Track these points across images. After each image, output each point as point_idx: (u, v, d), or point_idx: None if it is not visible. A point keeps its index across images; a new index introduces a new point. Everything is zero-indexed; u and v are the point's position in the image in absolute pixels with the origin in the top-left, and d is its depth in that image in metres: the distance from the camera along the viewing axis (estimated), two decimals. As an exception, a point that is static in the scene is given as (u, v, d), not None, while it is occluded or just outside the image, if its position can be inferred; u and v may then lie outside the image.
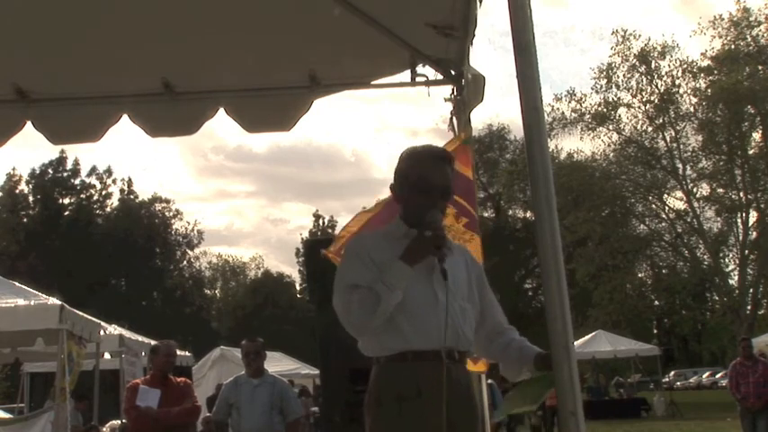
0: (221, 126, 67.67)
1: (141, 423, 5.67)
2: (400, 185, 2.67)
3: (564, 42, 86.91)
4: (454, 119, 4.08)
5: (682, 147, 31.41)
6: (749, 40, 30.24)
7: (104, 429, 11.41)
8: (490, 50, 75.43)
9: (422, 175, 2.61)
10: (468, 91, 3.83)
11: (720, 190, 30.99)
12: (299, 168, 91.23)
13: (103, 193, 51.92)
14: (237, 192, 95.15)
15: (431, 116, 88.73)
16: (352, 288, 2.47)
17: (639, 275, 35.32)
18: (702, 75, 30.68)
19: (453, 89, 4.04)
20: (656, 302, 36.33)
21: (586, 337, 24.68)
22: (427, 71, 4.05)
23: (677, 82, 31.05)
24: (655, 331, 46.75)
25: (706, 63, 30.82)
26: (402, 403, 2.44)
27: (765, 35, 30.11)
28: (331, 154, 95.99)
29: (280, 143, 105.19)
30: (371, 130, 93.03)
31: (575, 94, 32.02)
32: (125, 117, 4.14)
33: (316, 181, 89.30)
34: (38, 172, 49.62)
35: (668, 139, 31.57)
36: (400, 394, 2.45)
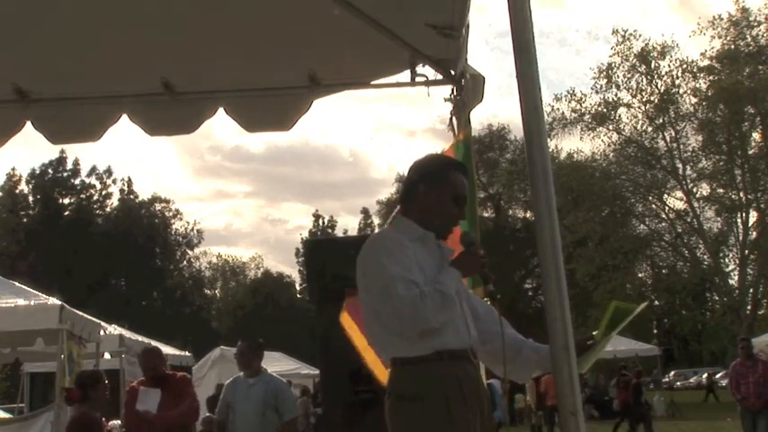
0: (218, 126, 67.63)
1: (137, 427, 5.65)
2: (431, 187, 2.63)
3: (559, 43, 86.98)
4: (454, 119, 4.08)
5: (682, 147, 31.39)
6: (749, 39, 30.23)
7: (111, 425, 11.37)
8: (487, 51, 75.51)
9: (463, 185, 2.67)
10: (467, 91, 3.83)
11: (720, 190, 30.95)
12: (297, 168, 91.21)
13: (103, 193, 51.97)
14: (236, 192, 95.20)
15: (428, 116, 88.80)
16: (408, 283, 2.39)
17: (639, 275, 35.28)
18: (702, 75, 30.65)
19: (453, 89, 4.04)
20: (656, 302, 36.30)
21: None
22: (427, 71, 4.05)
23: (677, 82, 31.03)
24: (655, 331, 46.70)
25: (706, 63, 30.82)
26: (450, 404, 2.41)
27: (765, 35, 30.09)
28: (328, 154, 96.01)
29: (277, 143, 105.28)
30: (369, 130, 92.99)
31: (574, 94, 32.01)
32: (124, 116, 4.14)
33: (314, 181, 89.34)
34: (38, 172, 49.65)
35: (668, 139, 31.54)
36: (446, 395, 2.42)
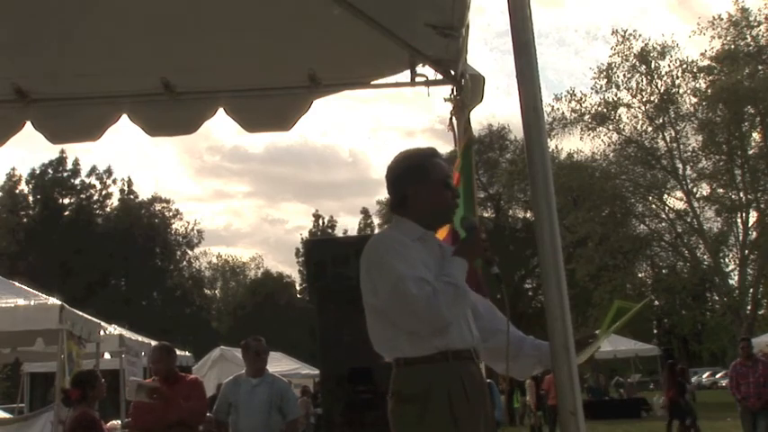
0: (218, 126, 67.65)
1: (143, 418, 5.67)
2: (420, 185, 2.61)
3: (559, 42, 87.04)
4: (454, 119, 4.08)
5: (682, 147, 31.38)
6: (749, 39, 30.23)
7: (110, 425, 11.37)
8: (486, 51, 75.56)
9: (444, 167, 2.68)
10: (467, 91, 3.83)
11: (720, 190, 30.94)
12: (296, 169, 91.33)
13: (103, 193, 51.95)
14: (235, 192, 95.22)
15: (428, 117, 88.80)
16: (418, 281, 2.37)
17: (639, 275, 35.28)
18: (702, 75, 30.65)
19: (453, 89, 4.03)
20: (656, 302, 36.30)
21: (586, 337, 24.59)
22: (427, 71, 4.05)
23: (677, 82, 31.04)
24: (655, 331, 46.72)
25: (706, 63, 30.81)
26: (453, 404, 2.40)
27: (765, 35, 30.09)
28: (328, 154, 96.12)
29: (276, 143, 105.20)
30: (368, 130, 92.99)
31: (574, 95, 32.03)
32: (124, 116, 4.14)
33: (313, 181, 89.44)
34: (38, 172, 49.64)
35: (668, 139, 31.54)
36: (450, 395, 2.41)
